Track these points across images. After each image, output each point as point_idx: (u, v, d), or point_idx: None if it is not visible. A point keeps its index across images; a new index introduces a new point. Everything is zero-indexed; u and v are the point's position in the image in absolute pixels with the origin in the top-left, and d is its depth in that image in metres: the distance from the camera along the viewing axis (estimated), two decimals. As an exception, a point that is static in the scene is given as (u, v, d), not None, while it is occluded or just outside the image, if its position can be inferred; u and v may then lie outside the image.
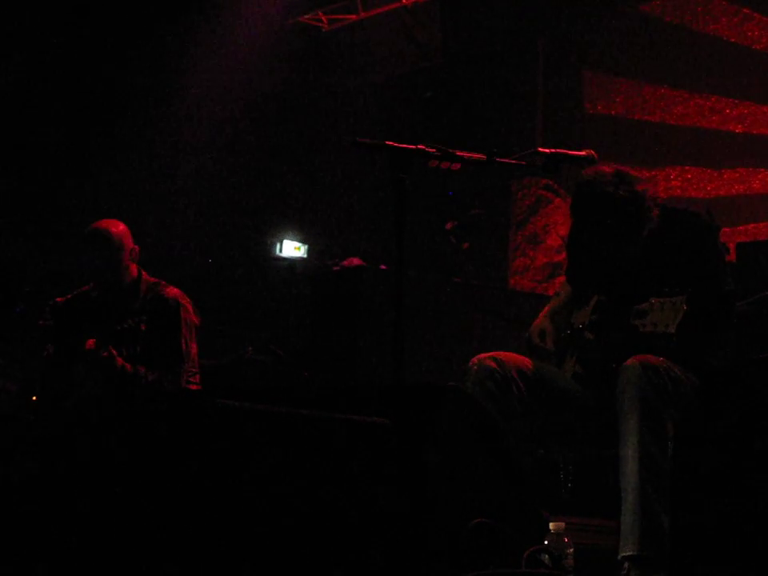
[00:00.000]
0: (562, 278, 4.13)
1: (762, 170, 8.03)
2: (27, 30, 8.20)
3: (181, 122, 9.38)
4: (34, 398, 4.96)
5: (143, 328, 4.70)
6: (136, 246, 4.85)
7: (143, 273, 4.90)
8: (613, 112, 8.83)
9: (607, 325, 3.62)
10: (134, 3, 8.82)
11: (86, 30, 8.46)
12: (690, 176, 8.34)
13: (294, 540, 2.18)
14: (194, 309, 4.88)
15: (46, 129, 8.47)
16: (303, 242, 8.88)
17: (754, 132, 8.08)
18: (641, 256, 3.64)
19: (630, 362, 3.37)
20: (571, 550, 2.78)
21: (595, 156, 3.87)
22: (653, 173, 8.20)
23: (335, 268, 8.13)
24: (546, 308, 4.02)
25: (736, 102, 8.18)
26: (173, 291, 4.85)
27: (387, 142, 3.44)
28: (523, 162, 3.79)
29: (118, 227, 4.83)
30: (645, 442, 3.25)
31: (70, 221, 7.27)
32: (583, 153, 3.88)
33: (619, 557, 3.21)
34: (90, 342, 4.49)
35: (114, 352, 4.55)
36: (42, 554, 2.31)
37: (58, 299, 5.01)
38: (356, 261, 8.02)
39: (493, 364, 3.58)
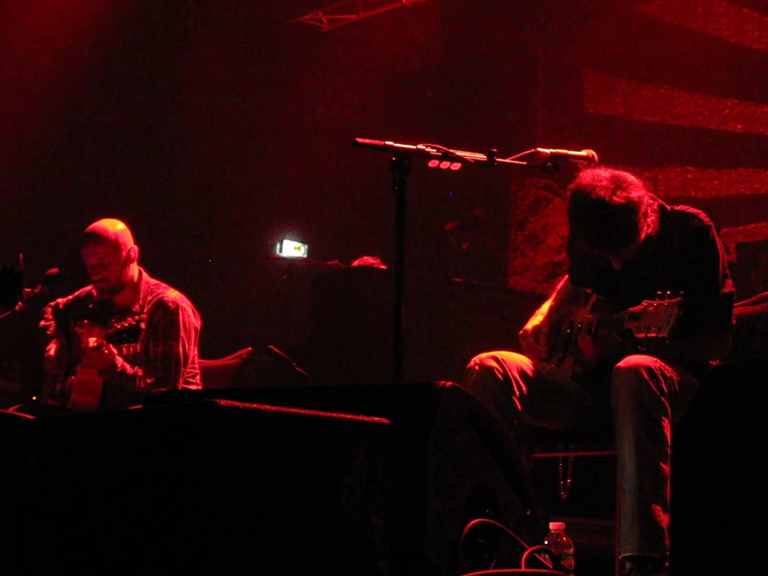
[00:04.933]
0: (562, 277, 4.13)
1: (762, 170, 8.03)
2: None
3: (181, 121, 9.37)
4: (34, 398, 4.95)
5: (143, 327, 4.69)
6: (135, 246, 4.83)
7: (144, 273, 4.89)
8: (613, 112, 8.83)
9: (604, 326, 3.61)
10: (133, 3, 8.82)
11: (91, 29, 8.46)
12: (690, 176, 8.34)
13: (293, 540, 2.18)
14: (194, 312, 4.86)
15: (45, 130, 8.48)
16: (303, 242, 8.88)
17: (754, 132, 8.08)
18: (639, 257, 3.63)
19: (623, 362, 3.37)
20: (571, 549, 2.78)
21: (595, 156, 3.87)
22: (653, 173, 8.20)
23: (343, 266, 8.14)
24: (544, 305, 4.02)
25: (736, 101, 8.18)
26: (173, 294, 4.83)
27: (387, 142, 3.45)
28: (523, 162, 3.79)
29: (116, 226, 4.81)
30: (642, 442, 3.25)
31: (72, 220, 7.27)
32: (583, 153, 3.88)
33: (620, 557, 3.22)
34: (91, 341, 4.48)
35: (115, 351, 4.54)
36: (38, 556, 2.31)
37: (59, 300, 5.01)
38: (369, 259, 8.03)
39: (494, 363, 3.58)
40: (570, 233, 3.80)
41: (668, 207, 3.67)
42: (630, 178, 3.55)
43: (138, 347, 4.67)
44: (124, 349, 4.61)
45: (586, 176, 3.55)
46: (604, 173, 3.54)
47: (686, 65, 8.29)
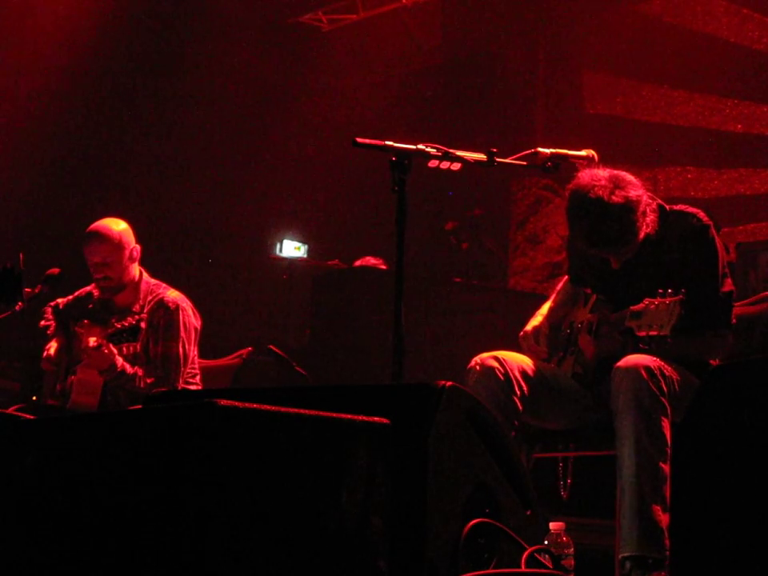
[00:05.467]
0: (562, 278, 4.13)
1: (762, 169, 8.03)
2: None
3: (180, 121, 9.37)
4: (34, 398, 4.96)
5: (143, 326, 4.69)
6: (137, 245, 4.84)
7: (144, 273, 4.89)
8: (613, 112, 8.83)
9: (604, 325, 3.61)
10: (134, 4, 8.82)
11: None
12: (690, 176, 8.34)
13: (293, 540, 2.18)
14: (194, 312, 4.87)
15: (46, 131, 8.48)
16: (303, 242, 8.88)
17: (754, 132, 8.08)
18: (639, 256, 3.63)
19: (622, 362, 3.37)
20: (571, 549, 2.77)
21: (595, 156, 3.87)
22: (653, 173, 8.20)
23: (343, 266, 8.14)
24: (544, 306, 4.01)
25: (736, 102, 8.18)
26: (173, 294, 4.84)
27: (387, 142, 3.45)
28: (523, 162, 3.79)
29: (119, 225, 4.83)
30: (641, 441, 3.24)
31: (72, 220, 7.27)
32: (583, 153, 3.87)
33: (619, 557, 3.22)
34: (91, 340, 4.49)
35: (115, 351, 4.54)
36: (38, 555, 2.31)
37: (59, 300, 5.01)
38: (372, 260, 8.03)
39: (495, 363, 3.58)
40: (569, 233, 3.80)
41: (667, 207, 3.67)
42: (629, 177, 3.55)
43: (138, 347, 4.67)
44: (124, 348, 4.61)
45: (585, 176, 3.55)
46: (602, 172, 3.53)
47: (686, 65, 8.29)
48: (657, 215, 3.60)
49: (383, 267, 7.88)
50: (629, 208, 3.48)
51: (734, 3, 8.26)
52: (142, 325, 4.67)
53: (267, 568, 2.12)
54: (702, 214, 3.64)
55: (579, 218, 3.55)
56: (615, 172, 3.54)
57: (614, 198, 3.45)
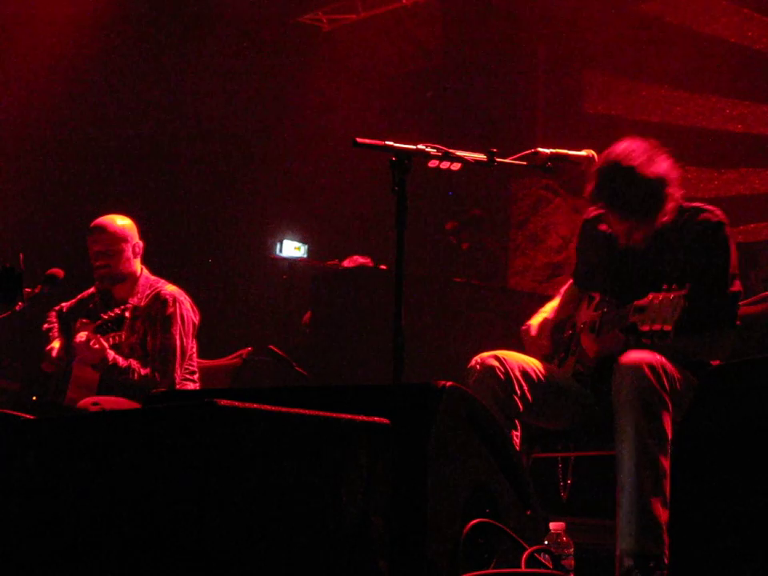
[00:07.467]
0: (561, 278, 4.12)
1: (762, 169, 8.03)
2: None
3: (180, 122, 9.37)
4: (34, 398, 4.96)
5: (128, 316, 4.70)
6: (140, 242, 4.91)
7: (145, 270, 4.94)
8: (613, 112, 8.83)
9: (608, 322, 3.60)
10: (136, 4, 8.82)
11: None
12: (690, 176, 8.33)
13: (294, 540, 2.18)
14: (192, 307, 4.89)
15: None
16: (303, 242, 8.88)
17: (754, 132, 8.07)
18: (650, 248, 3.62)
19: (624, 359, 3.36)
20: (571, 549, 2.78)
21: (595, 156, 3.86)
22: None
23: (340, 266, 8.15)
24: (548, 305, 4.01)
25: (736, 102, 8.17)
26: (171, 288, 4.90)
27: (387, 142, 3.45)
28: (523, 162, 3.78)
29: (124, 219, 4.94)
30: (641, 437, 3.24)
31: (72, 220, 7.28)
32: (583, 153, 3.87)
33: (618, 552, 3.22)
34: (80, 335, 4.51)
35: (106, 344, 4.55)
36: (38, 554, 2.31)
37: (63, 304, 5.04)
38: (360, 259, 8.04)
39: (495, 363, 3.58)
40: (588, 194, 3.74)
41: (684, 203, 3.66)
42: (664, 157, 3.56)
43: (123, 336, 4.66)
44: (110, 339, 4.62)
45: (625, 142, 3.59)
46: (644, 143, 3.56)
47: (686, 65, 8.28)
48: (676, 206, 3.60)
49: (370, 264, 7.93)
50: (661, 181, 3.49)
51: (733, 3, 8.26)
52: (127, 314, 4.68)
53: (267, 568, 2.12)
54: (718, 211, 3.63)
55: (608, 179, 3.55)
56: (657, 145, 3.56)
57: (648, 169, 3.47)
